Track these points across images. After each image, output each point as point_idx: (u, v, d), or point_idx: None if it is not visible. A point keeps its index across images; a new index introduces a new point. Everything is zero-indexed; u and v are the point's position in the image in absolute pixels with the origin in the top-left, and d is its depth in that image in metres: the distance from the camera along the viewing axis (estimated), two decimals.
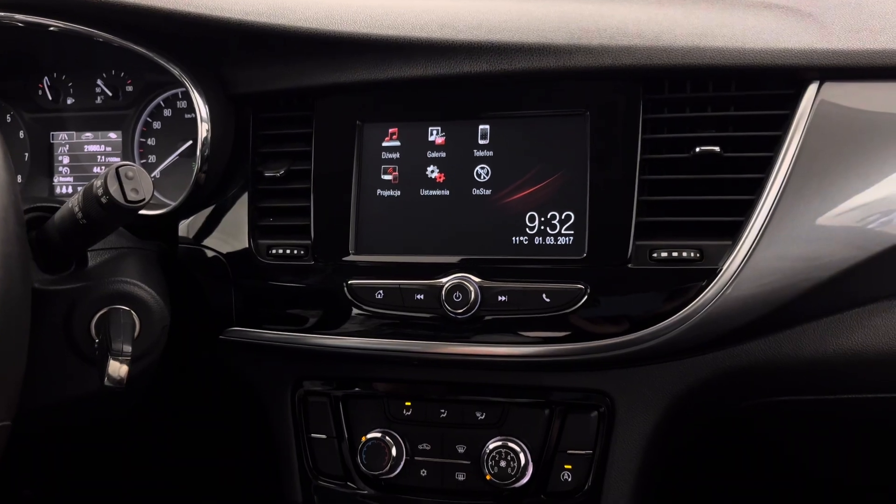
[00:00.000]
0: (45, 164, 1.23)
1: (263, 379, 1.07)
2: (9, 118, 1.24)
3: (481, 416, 0.97)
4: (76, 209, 0.81)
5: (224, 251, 1.03)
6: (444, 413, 0.98)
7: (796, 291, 0.85)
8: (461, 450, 0.97)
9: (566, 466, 0.95)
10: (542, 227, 0.92)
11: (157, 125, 1.18)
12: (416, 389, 1.01)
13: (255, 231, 1.02)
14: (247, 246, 1.02)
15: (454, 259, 0.93)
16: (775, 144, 0.87)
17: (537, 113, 0.93)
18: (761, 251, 0.85)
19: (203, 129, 1.01)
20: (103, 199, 0.77)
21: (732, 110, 0.89)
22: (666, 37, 0.89)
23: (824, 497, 1.31)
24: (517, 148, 0.94)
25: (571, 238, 0.91)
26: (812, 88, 0.87)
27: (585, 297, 0.88)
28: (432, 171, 0.96)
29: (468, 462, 0.97)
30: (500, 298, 0.90)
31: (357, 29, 0.95)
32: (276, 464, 1.07)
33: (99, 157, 1.21)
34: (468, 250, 0.93)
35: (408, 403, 1.00)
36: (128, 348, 0.84)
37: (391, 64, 0.95)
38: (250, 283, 1.02)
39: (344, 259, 0.97)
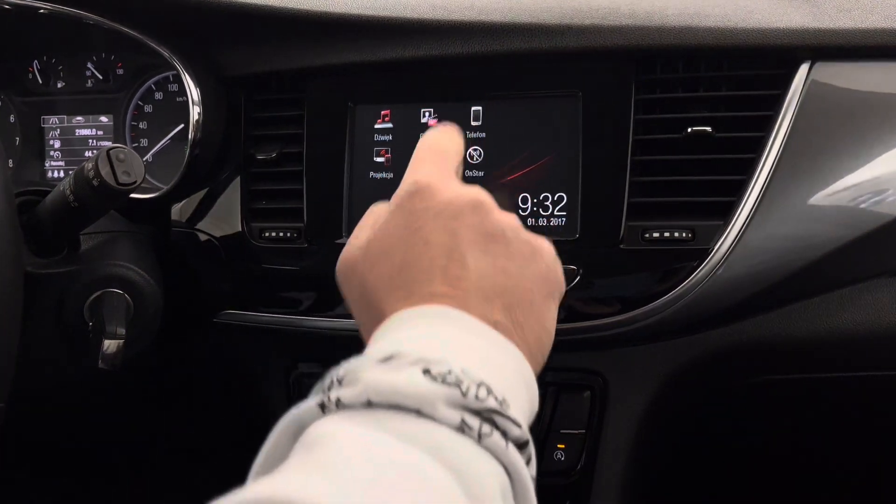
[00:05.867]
0: (36, 148, 1.22)
1: (258, 361, 1.07)
2: None
3: None
4: (68, 192, 0.80)
5: (217, 234, 1.03)
6: None
7: (787, 271, 0.86)
8: None
9: (559, 446, 0.96)
10: (535, 209, 0.92)
11: (148, 108, 1.18)
12: None
13: (247, 214, 1.02)
14: (239, 229, 1.02)
15: None
16: (767, 124, 0.87)
17: (529, 94, 0.93)
18: (752, 231, 0.85)
19: (195, 113, 1.01)
20: (94, 182, 0.77)
21: (724, 90, 0.89)
22: (658, 17, 0.89)
23: (816, 480, 1.32)
24: (509, 129, 0.93)
25: (564, 219, 0.91)
26: (804, 68, 0.87)
27: (578, 277, 0.89)
28: None
29: None
30: None
31: (348, 10, 0.94)
32: None
33: (90, 140, 1.21)
34: None
35: None
36: (121, 331, 0.84)
37: (382, 45, 0.95)
38: (244, 266, 1.02)
39: (337, 241, 0.97)
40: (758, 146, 0.86)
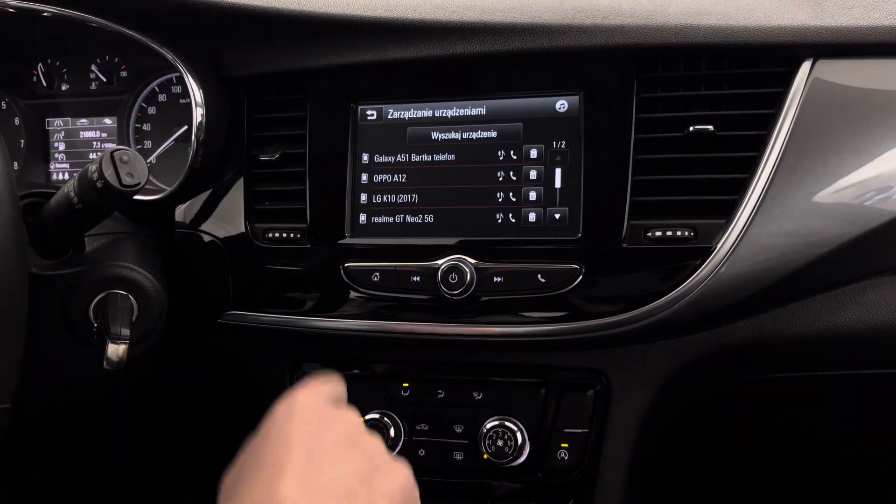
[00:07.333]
0: (40, 151, 1.23)
1: (261, 362, 1.07)
2: (3, 105, 1.24)
3: (478, 395, 0.98)
4: (72, 194, 0.81)
5: (221, 235, 1.04)
6: (441, 393, 0.99)
7: (790, 269, 0.86)
8: (459, 429, 0.98)
9: (563, 445, 0.96)
10: (537, 208, 0.92)
11: (152, 110, 1.18)
12: (414, 370, 1.01)
13: (251, 215, 1.03)
14: (243, 230, 1.02)
15: (450, 241, 0.94)
16: (769, 123, 0.87)
17: (531, 93, 0.93)
18: (755, 229, 0.85)
19: (198, 114, 1.01)
20: (98, 184, 0.78)
21: (726, 89, 0.89)
22: (659, 15, 0.89)
23: (817, 476, 1.32)
24: (511, 129, 0.93)
25: (566, 218, 0.91)
26: (805, 66, 0.87)
27: (580, 276, 0.89)
28: None
29: (466, 441, 0.98)
30: (495, 279, 0.91)
31: (350, 11, 0.95)
32: None
33: (95, 142, 1.21)
34: (464, 232, 0.94)
35: (405, 384, 1.00)
36: (126, 332, 0.84)
37: (384, 45, 0.95)
38: (247, 267, 1.02)
39: (340, 242, 0.97)
40: (760, 144, 0.86)
